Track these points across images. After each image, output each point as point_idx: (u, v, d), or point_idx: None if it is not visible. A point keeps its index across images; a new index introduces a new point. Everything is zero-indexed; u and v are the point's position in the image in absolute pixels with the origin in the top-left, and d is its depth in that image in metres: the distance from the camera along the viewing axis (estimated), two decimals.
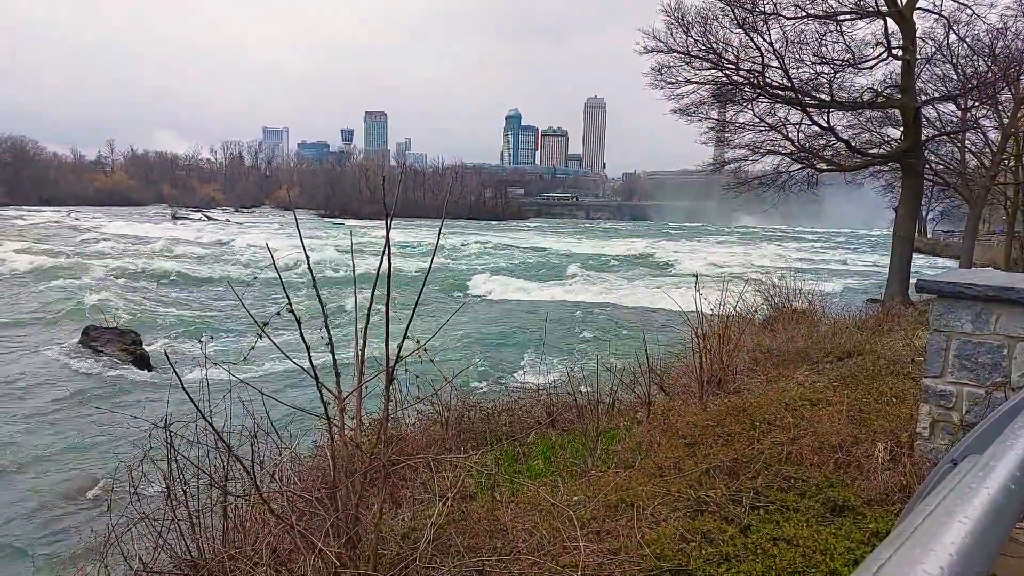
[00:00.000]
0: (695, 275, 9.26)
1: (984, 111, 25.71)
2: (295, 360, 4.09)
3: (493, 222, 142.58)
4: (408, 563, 3.78)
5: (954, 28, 20.31)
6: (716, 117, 23.11)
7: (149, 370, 18.87)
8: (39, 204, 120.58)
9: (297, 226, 4.63)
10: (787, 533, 3.79)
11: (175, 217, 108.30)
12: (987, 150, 28.58)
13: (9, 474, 11.42)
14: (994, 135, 27.78)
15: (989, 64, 21.69)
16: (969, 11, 19.89)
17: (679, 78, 21.03)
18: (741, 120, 22.38)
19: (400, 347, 4.09)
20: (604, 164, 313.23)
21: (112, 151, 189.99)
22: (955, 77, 22.64)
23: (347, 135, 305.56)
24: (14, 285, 32.05)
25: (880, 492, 4.30)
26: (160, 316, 27.49)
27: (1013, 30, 22.05)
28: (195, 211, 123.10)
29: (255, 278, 32.33)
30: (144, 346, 20.10)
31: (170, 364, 4.55)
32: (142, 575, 4.60)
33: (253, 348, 4.31)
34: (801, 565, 3.47)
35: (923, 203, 44.39)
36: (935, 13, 19.94)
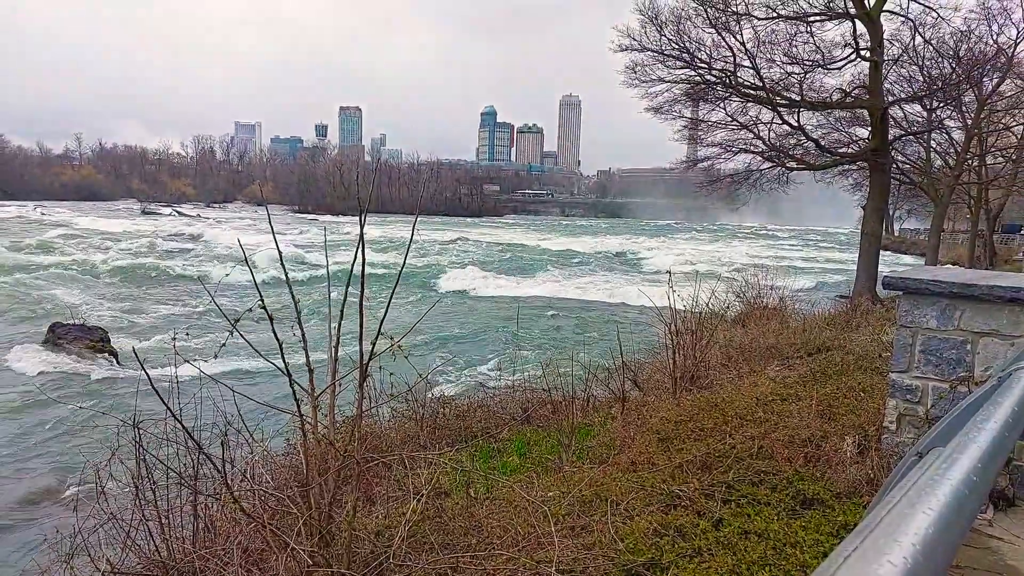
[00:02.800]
0: (668, 272, 9.35)
1: (949, 112, 26.34)
2: (267, 358, 4.04)
3: (469, 219, 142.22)
4: (382, 561, 3.77)
5: (920, 30, 20.79)
6: (689, 116, 23.34)
7: (118, 366, 18.50)
8: (3, 199, 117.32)
9: (270, 222, 4.57)
10: (758, 526, 3.85)
11: (144, 212, 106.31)
12: (952, 150, 29.27)
13: None
14: (958, 135, 28.47)
15: (953, 66, 22.24)
16: (934, 14, 20.38)
17: (653, 76, 21.19)
18: (714, 119, 22.64)
19: (374, 344, 4.07)
20: (579, 161, 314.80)
21: (80, 145, 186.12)
22: (921, 78, 23.17)
23: (321, 130, 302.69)
24: None
25: (848, 485, 4.39)
26: (129, 313, 26.95)
27: (976, 33, 22.66)
28: (165, 206, 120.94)
29: (226, 275, 31.86)
30: (112, 343, 19.69)
31: (139, 361, 4.46)
32: None
33: (224, 345, 4.25)
34: (772, 558, 3.53)
35: (890, 201, 45.39)
36: (901, 15, 20.39)
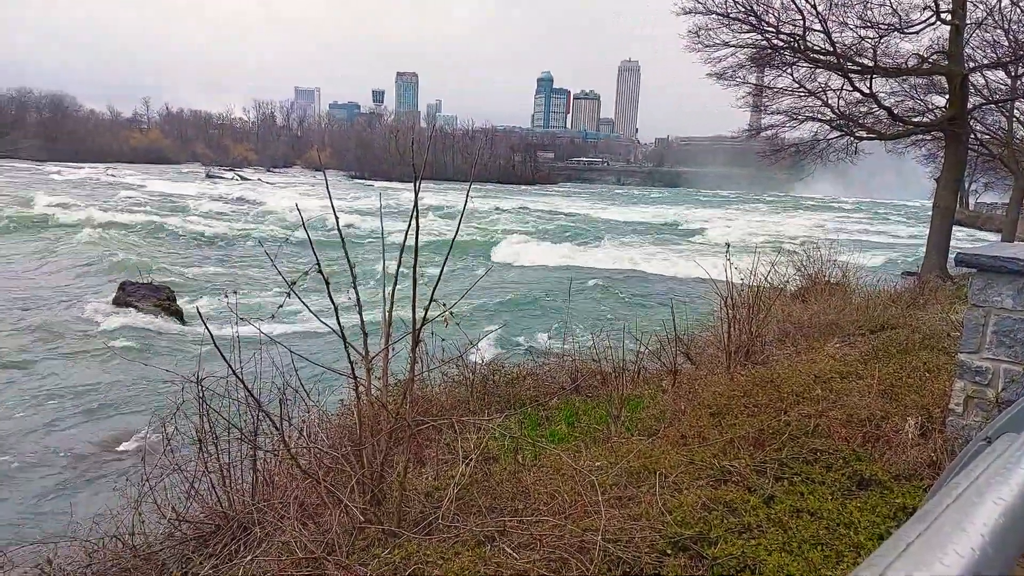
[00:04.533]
0: (726, 244, 9.12)
1: None
2: (323, 320, 4.14)
3: (522, 186, 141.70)
4: (431, 521, 3.86)
5: None
6: (754, 82, 22.46)
7: (183, 325, 19.34)
8: (76, 160, 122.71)
9: (327, 187, 4.64)
10: (811, 505, 3.77)
11: (208, 176, 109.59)
12: None
13: (48, 423, 11.87)
14: None
15: None
16: None
17: (717, 40, 20.41)
18: (780, 85, 21.73)
19: (427, 310, 4.12)
20: (636, 129, 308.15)
21: (148, 109, 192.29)
22: (1006, 43, 21.64)
23: (378, 96, 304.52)
24: (53, 240, 32.88)
25: (909, 467, 4.24)
26: (193, 273, 28.05)
27: None
28: (228, 170, 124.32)
29: (287, 239, 32.72)
30: (177, 302, 20.56)
31: (202, 320, 4.65)
32: (175, 523, 4.77)
33: (282, 307, 4.38)
34: (825, 537, 3.45)
35: (966, 174, 42.99)
36: None
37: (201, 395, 4.97)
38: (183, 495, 4.96)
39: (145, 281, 21.49)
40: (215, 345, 4.37)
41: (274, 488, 4.88)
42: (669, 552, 3.39)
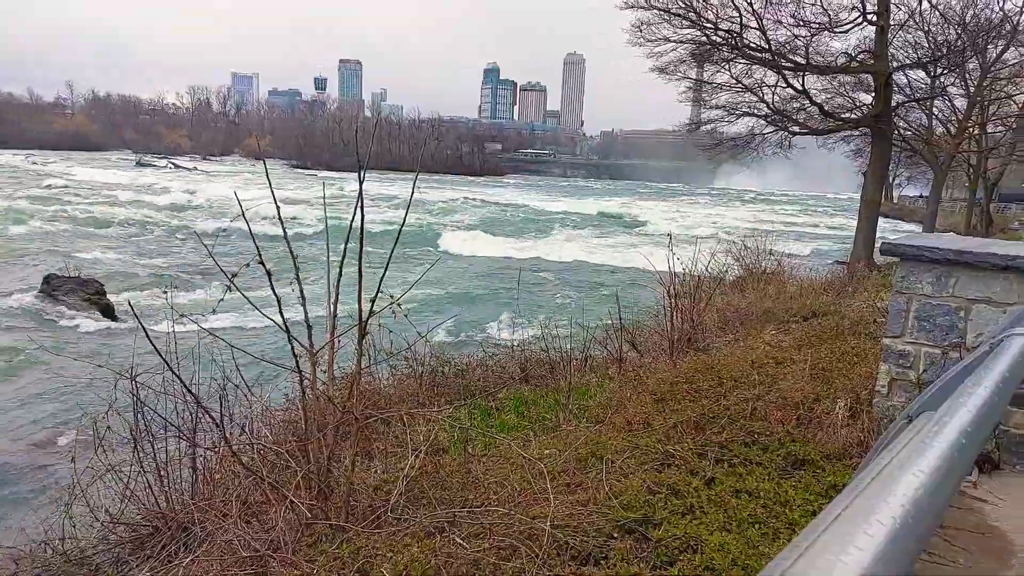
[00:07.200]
0: (669, 235, 9.33)
1: (952, 79, 26.06)
2: (265, 313, 4.05)
3: (470, 177, 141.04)
4: (380, 514, 3.84)
5: None
6: (694, 77, 22.99)
7: (113, 320, 18.53)
8: None
9: (267, 176, 4.52)
10: (749, 486, 3.93)
11: (139, 163, 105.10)
12: (953, 118, 29.00)
13: None
14: (960, 103, 28.19)
15: (959, 32, 21.90)
16: None
17: (659, 36, 20.82)
18: (718, 80, 22.32)
19: (373, 302, 4.07)
20: (582, 122, 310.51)
21: (72, 93, 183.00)
22: (926, 44, 22.82)
23: (320, 83, 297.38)
24: None
25: (839, 447, 4.46)
26: (124, 266, 26.90)
27: (983, 0, 22.25)
28: (160, 158, 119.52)
29: (224, 229, 31.73)
30: (107, 296, 19.68)
31: (135, 315, 4.47)
32: (109, 526, 4.60)
33: (222, 300, 4.26)
34: (762, 516, 3.60)
35: (891, 168, 45.05)
36: None
37: (135, 392, 4.79)
38: (118, 497, 4.78)
39: (72, 274, 20.48)
40: (148, 339, 4.20)
41: (215, 487, 4.76)
42: (616, 535, 3.48)
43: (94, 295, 19.24)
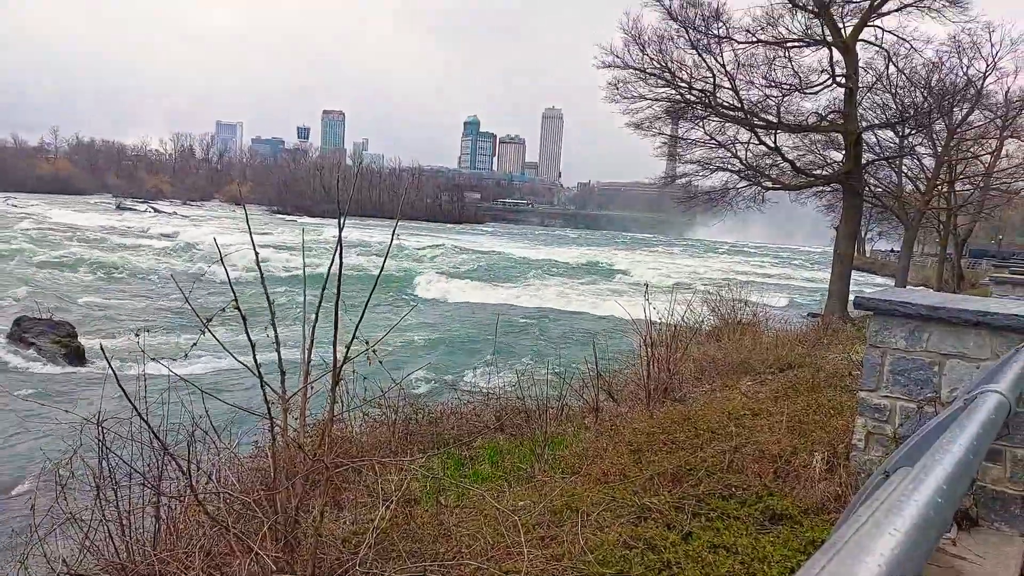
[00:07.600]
0: (645, 284, 9.42)
1: (920, 139, 27.07)
2: (238, 358, 3.97)
3: (449, 225, 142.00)
4: (348, 568, 3.71)
5: (894, 60, 21.44)
6: (669, 133, 23.62)
7: (84, 364, 18.10)
8: None
9: (247, 221, 4.51)
10: (727, 540, 3.87)
11: (119, 207, 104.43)
12: (922, 176, 30.01)
13: None
14: (929, 162, 29.23)
15: (925, 95, 22.94)
16: (908, 45, 21.06)
17: (634, 93, 21.45)
18: (693, 137, 22.96)
19: (348, 348, 4.03)
20: (560, 173, 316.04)
21: (56, 138, 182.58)
22: (894, 106, 23.84)
23: (303, 132, 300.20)
24: None
25: (817, 501, 4.43)
26: (98, 309, 26.42)
27: (948, 65, 23.41)
28: (141, 202, 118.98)
29: (202, 274, 31.41)
30: (79, 339, 19.26)
31: (105, 358, 4.37)
32: None
33: (195, 344, 4.19)
34: (740, 573, 3.54)
35: (862, 222, 46.24)
36: (876, 45, 20.98)
37: (101, 437, 4.64)
38: (77, 546, 4.57)
39: (44, 317, 20.06)
40: (118, 383, 4.09)
41: (179, 537, 4.57)
42: None
43: (65, 337, 18.84)
